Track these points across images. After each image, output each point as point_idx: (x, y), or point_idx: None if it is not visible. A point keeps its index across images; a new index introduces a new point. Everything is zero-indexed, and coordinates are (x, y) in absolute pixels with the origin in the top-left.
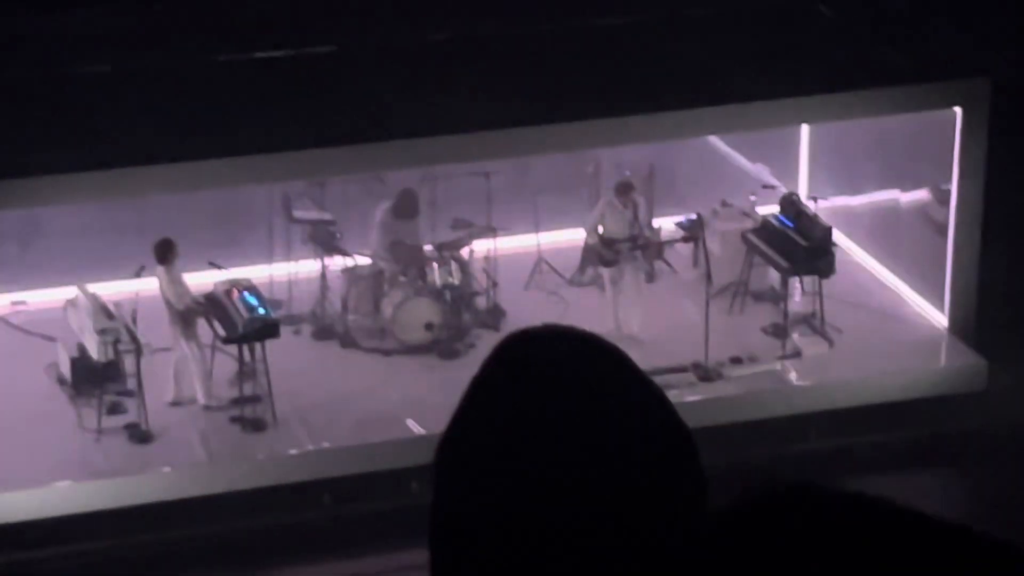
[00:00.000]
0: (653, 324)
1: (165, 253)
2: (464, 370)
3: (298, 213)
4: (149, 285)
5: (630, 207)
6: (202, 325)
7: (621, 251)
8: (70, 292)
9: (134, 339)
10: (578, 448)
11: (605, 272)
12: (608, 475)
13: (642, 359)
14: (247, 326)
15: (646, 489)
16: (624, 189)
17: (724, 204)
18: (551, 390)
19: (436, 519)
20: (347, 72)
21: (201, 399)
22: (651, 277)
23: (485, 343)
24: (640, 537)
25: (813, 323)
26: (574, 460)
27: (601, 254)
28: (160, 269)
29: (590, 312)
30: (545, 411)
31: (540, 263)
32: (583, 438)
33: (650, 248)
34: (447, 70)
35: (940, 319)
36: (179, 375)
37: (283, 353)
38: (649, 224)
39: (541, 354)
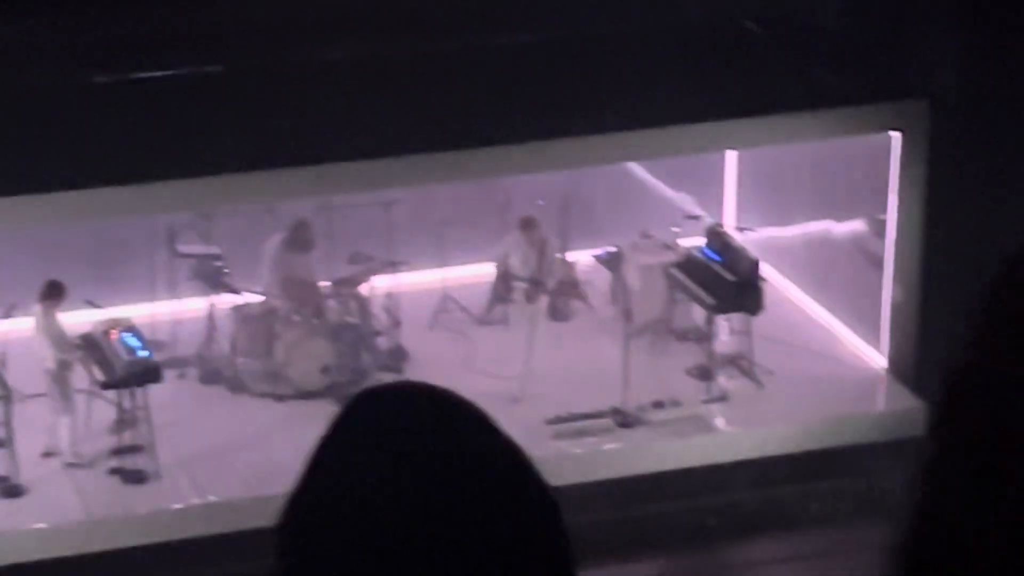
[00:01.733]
0: (569, 366)
1: (53, 295)
2: None
3: (182, 247)
4: (19, 325)
5: (536, 245)
6: (80, 369)
7: (513, 289)
8: None
9: (3, 384)
10: (430, 515)
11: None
12: (463, 544)
13: (551, 405)
14: (127, 369)
15: (504, 559)
16: (526, 225)
17: (645, 236)
18: (401, 453)
19: None
20: (236, 94)
21: (65, 455)
22: (565, 315)
23: None
24: None
25: (741, 364)
26: (426, 527)
27: (497, 289)
28: (39, 309)
29: (499, 352)
30: (396, 475)
31: (446, 300)
32: (435, 504)
33: (560, 287)
34: (344, 91)
35: (878, 359)
36: (54, 424)
37: (167, 399)
38: (562, 259)
39: (391, 413)
